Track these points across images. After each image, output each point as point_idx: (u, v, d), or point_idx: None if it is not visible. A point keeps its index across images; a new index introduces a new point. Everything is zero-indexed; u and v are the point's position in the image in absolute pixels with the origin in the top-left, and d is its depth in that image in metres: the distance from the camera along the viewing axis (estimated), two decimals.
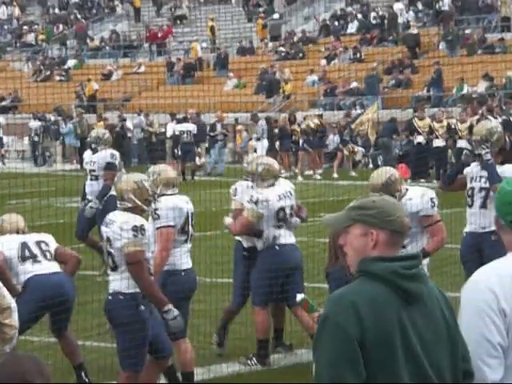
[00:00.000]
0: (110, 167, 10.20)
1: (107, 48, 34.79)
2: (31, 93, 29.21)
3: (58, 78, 32.73)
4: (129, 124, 25.36)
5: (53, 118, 27.28)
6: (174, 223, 6.13)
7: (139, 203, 5.62)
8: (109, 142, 10.53)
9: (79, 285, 8.95)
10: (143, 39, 34.44)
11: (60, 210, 14.19)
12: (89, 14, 37.92)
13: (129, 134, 25.21)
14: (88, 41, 35.55)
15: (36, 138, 26.92)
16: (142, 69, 31.97)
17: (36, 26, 37.64)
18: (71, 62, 34.07)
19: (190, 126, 23.16)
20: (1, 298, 4.95)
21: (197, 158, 23.34)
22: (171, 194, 6.26)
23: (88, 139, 11.02)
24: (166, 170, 6.47)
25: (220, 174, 21.91)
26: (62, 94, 28.47)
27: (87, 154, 10.89)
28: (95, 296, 8.72)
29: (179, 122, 23.57)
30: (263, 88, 27.83)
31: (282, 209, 6.94)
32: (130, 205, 5.62)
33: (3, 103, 31.22)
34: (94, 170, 10.37)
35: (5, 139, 28.73)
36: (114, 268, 5.58)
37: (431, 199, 6.41)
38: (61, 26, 37.12)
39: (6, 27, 38.94)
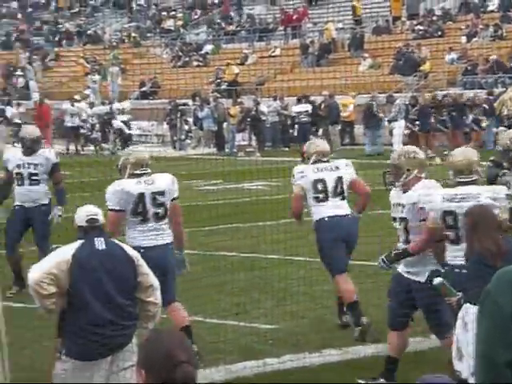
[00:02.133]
0: (58, 168, 8.94)
1: (243, 32, 35.13)
2: (170, 78, 29.91)
3: (195, 63, 33.34)
4: (263, 107, 25.54)
5: (191, 103, 27.83)
6: (119, 207, 6.45)
7: (480, 174, 5.79)
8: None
9: (216, 266, 9.13)
10: (278, 22, 34.52)
11: (195, 193, 14.54)
12: None
13: (263, 118, 25.40)
14: (224, 25, 36.00)
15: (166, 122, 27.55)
16: (277, 52, 32.08)
17: (174, 12, 38.46)
18: (208, 47, 34.63)
19: (307, 107, 23.24)
20: (144, 277, 5.09)
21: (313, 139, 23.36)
22: (139, 174, 6.56)
23: (19, 141, 9.13)
24: (136, 151, 6.76)
25: (381, 153, 21.38)
26: (200, 79, 29.01)
27: (15, 156, 8.88)
28: (233, 276, 8.86)
29: (299, 103, 23.78)
30: (400, 68, 27.32)
31: (321, 180, 7.26)
32: (475, 177, 5.70)
33: (143, 89, 32.12)
34: (35, 174, 8.75)
35: (145, 124, 29.60)
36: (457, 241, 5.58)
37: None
38: (198, 12, 37.78)
39: (145, 13, 40.02)
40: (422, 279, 5.88)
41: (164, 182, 6.66)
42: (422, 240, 5.85)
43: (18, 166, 8.71)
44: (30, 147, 8.68)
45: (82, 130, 26.78)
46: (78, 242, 5.03)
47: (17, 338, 6.44)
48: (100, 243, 5.02)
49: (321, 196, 7.27)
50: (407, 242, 5.96)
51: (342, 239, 7.23)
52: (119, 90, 31.83)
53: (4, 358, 4.05)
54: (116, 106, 27.75)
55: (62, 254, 4.96)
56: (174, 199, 6.66)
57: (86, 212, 5.14)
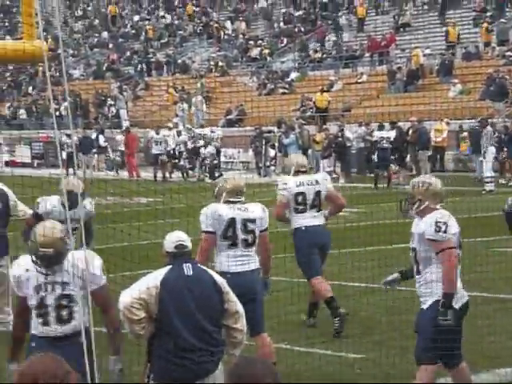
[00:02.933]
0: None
1: (329, 59, 35.21)
2: (256, 106, 30.16)
3: (281, 90, 33.54)
4: (348, 134, 25.48)
5: (276, 130, 27.98)
6: (212, 228, 6.59)
7: None
8: None
9: (301, 292, 9.07)
10: (365, 49, 34.47)
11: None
12: (311, 27, 38.57)
13: (348, 144, 25.33)
14: (311, 53, 36.17)
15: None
16: (364, 78, 32.00)
17: (260, 41, 38.86)
18: (294, 75, 34.80)
19: (390, 133, 23.10)
20: (231, 304, 5.11)
21: (392, 166, 23.08)
22: (234, 202, 6.66)
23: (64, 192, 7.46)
24: (234, 178, 6.96)
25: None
26: (285, 107, 29.15)
27: (56, 209, 8.08)
28: (319, 303, 8.78)
29: (380, 129, 23.65)
30: (490, 93, 26.84)
31: (301, 193, 8.19)
32: None
33: (229, 116, 32.48)
34: (74, 229, 7.86)
35: (231, 151, 29.90)
36: None
37: (436, 223, 5.78)
38: (285, 40, 38.07)
39: (233, 42, 40.57)
40: (425, 306, 5.89)
41: (256, 210, 6.77)
42: (449, 278, 5.77)
43: (61, 222, 8.09)
44: (75, 201, 7.84)
45: (162, 157, 27.14)
46: (167, 268, 5.07)
47: (106, 362, 6.53)
48: (188, 269, 5.05)
49: (300, 208, 8.23)
50: (418, 272, 5.94)
51: (316, 245, 8.21)
52: (206, 118, 32.29)
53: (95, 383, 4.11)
54: (197, 131, 28.13)
55: (152, 280, 5.01)
56: (264, 230, 6.77)
57: (175, 238, 5.20)
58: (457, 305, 5.83)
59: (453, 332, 5.80)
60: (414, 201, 5.98)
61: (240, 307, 5.17)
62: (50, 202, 8.19)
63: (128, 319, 4.89)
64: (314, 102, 30.29)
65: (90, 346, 3.86)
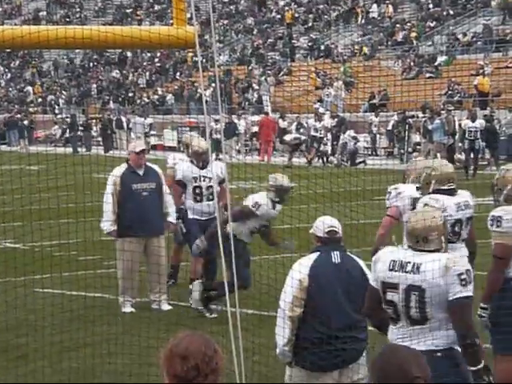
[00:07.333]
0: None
1: (479, 43, 34.10)
2: (400, 90, 29.62)
3: (427, 74, 32.82)
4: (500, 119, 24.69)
5: (421, 115, 27.45)
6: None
7: None
8: None
9: None
10: None
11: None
12: (462, 10, 37.45)
13: (498, 129, 24.54)
14: (460, 36, 35.15)
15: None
16: None
17: (408, 24, 38.11)
18: (441, 59, 33.95)
19: None
20: None
21: None
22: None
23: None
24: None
25: None
26: (431, 91, 28.44)
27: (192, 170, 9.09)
28: None
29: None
30: None
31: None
32: None
33: (373, 101, 32.10)
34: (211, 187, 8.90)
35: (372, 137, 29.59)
36: None
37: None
38: (433, 23, 37.16)
39: (377, 26, 40.00)
40: None
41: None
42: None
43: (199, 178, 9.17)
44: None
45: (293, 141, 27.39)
46: (315, 255, 5.03)
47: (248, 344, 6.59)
48: (336, 257, 5.01)
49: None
50: None
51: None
52: (348, 103, 32.05)
53: (240, 363, 4.14)
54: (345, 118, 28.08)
55: (303, 270, 4.95)
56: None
57: (328, 223, 5.12)
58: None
59: None
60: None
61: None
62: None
63: (290, 318, 4.89)
64: (476, 86, 29.45)
65: None
